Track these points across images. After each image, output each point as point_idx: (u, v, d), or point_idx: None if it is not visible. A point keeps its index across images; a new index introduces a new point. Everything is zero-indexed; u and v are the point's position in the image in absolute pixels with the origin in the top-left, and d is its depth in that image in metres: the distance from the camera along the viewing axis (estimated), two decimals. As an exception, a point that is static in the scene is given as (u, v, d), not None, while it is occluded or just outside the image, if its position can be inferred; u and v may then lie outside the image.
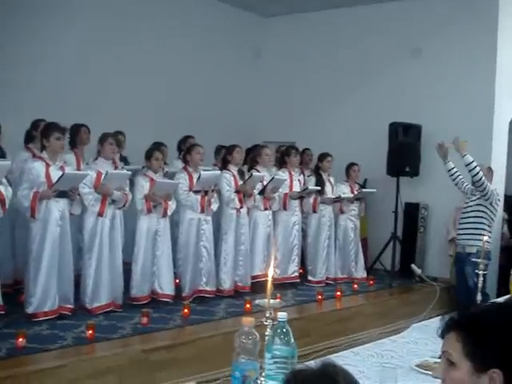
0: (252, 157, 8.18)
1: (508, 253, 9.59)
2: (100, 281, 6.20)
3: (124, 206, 6.44)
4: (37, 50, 8.16)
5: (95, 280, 6.18)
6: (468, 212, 7.04)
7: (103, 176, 6.18)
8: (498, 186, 9.13)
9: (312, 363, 1.58)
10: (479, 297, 3.96)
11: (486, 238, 4.23)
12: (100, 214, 6.19)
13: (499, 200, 6.99)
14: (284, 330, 1.98)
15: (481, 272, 3.97)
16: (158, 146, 7.35)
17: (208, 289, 7.10)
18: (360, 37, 10.56)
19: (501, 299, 3.41)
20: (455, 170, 7.13)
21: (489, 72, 9.22)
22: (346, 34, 10.72)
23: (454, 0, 9.54)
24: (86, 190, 6.12)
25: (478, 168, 6.81)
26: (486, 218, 6.82)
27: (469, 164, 6.85)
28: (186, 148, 7.63)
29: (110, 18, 8.94)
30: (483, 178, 6.78)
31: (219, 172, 7.46)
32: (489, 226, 6.75)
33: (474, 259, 6.65)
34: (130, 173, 6.60)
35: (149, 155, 6.85)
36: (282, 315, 2.01)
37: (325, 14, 10.89)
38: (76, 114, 7.61)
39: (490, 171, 7.21)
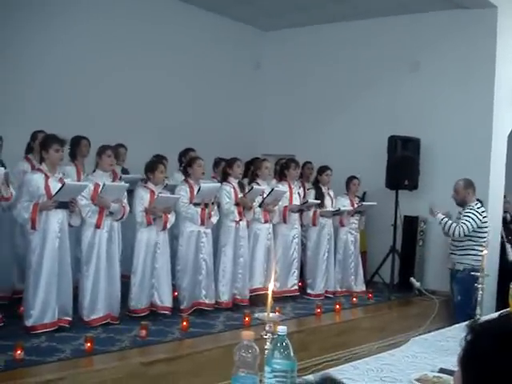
0: (252, 170, 8.20)
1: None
2: (97, 293, 6.19)
3: (122, 217, 6.43)
4: (37, 60, 8.20)
5: (93, 292, 6.17)
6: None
7: (101, 188, 6.19)
8: (496, 200, 9.16)
9: (311, 377, 1.59)
10: (478, 311, 3.95)
11: (484, 252, 4.21)
12: (97, 226, 6.19)
13: (485, 217, 6.95)
14: (284, 344, 1.97)
15: (480, 286, 3.97)
16: (161, 159, 7.36)
17: (207, 301, 7.08)
18: (358, 50, 10.62)
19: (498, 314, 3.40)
20: (445, 219, 7.19)
21: (487, 85, 9.26)
22: (345, 48, 10.78)
23: (452, 13, 9.60)
24: (84, 202, 6.12)
25: (448, 223, 7.10)
26: (472, 240, 6.84)
27: (440, 222, 7.23)
28: (186, 161, 7.63)
29: (111, 31, 8.97)
30: (456, 230, 6.96)
31: (219, 184, 7.47)
32: (478, 245, 6.71)
33: (459, 276, 6.71)
34: (127, 185, 6.58)
35: (153, 168, 6.82)
36: (282, 329, 2.01)
37: (323, 28, 10.95)
38: (76, 125, 7.63)
39: (468, 186, 7.08)
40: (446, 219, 6.94)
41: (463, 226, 6.79)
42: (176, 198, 6.90)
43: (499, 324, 1.60)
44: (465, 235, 6.95)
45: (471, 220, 6.79)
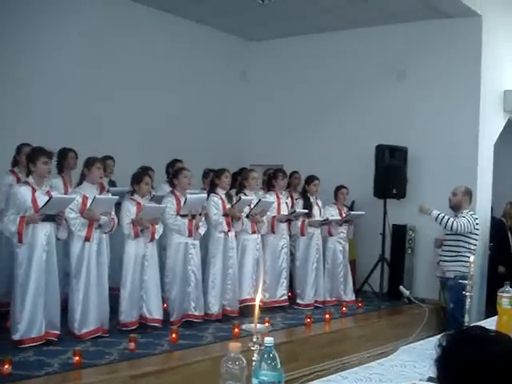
0: (239, 181, 8.21)
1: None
2: (88, 306, 6.15)
3: (111, 230, 6.41)
4: (24, 72, 8.16)
5: (83, 305, 6.13)
6: (448, 240, 7.12)
7: (90, 201, 6.15)
8: (483, 208, 9.20)
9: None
10: (467, 318, 3.95)
11: (471, 258, 4.22)
12: (87, 239, 6.15)
13: (477, 224, 7.03)
14: (271, 355, 1.96)
15: (468, 293, 3.96)
16: (147, 171, 7.35)
17: (196, 313, 7.05)
18: (345, 60, 10.67)
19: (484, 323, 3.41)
20: (442, 214, 7.12)
21: (473, 94, 9.31)
22: (331, 58, 10.83)
23: (438, 23, 9.66)
24: (73, 215, 6.08)
25: (446, 217, 6.92)
26: (463, 247, 6.89)
27: (437, 217, 7.00)
28: (173, 172, 7.62)
29: (98, 43, 8.97)
30: (454, 224, 6.86)
31: (205, 195, 7.46)
32: (469, 251, 6.77)
33: (451, 284, 6.75)
34: (117, 197, 6.56)
35: (138, 180, 6.80)
36: (269, 340, 2.00)
37: (310, 38, 11.00)
38: (63, 137, 7.61)
39: (467, 193, 7.19)
40: (443, 214, 6.96)
41: (462, 222, 6.85)
42: (162, 207, 6.88)
43: (467, 334, 1.75)
44: (457, 238, 6.97)
45: (467, 222, 6.87)
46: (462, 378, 1.63)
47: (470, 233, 6.95)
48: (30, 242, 5.73)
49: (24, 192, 5.77)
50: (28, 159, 5.96)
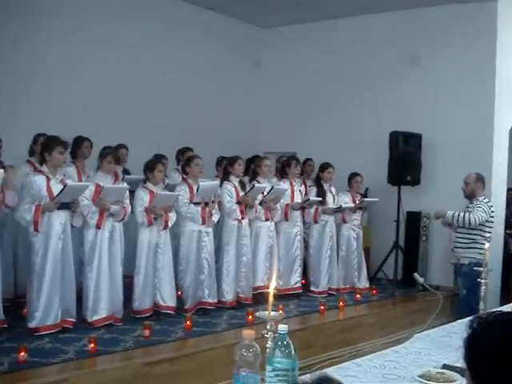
0: (253, 168, 8.20)
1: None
2: (100, 293, 6.19)
3: (123, 218, 6.42)
4: (38, 61, 8.20)
5: (95, 293, 6.17)
6: (462, 227, 7.08)
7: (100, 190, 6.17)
8: (498, 194, 9.14)
9: (307, 376, 1.58)
10: (482, 306, 3.94)
11: (486, 246, 4.18)
12: (98, 227, 6.17)
13: (492, 211, 6.98)
14: (285, 343, 1.96)
15: (483, 281, 3.95)
16: (160, 158, 7.35)
17: (210, 301, 7.08)
18: (359, 46, 10.60)
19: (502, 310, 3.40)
20: (456, 213, 7.07)
21: (488, 80, 9.23)
22: (345, 44, 10.77)
23: (452, 8, 9.57)
24: (85, 202, 6.11)
25: (461, 214, 6.88)
26: (478, 234, 6.86)
27: (453, 217, 6.97)
28: (184, 160, 7.62)
29: (109, 31, 8.97)
30: (471, 218, 6.81)
31: (218, 183, 7.47)
32: (484, 239, 6.74)
33: (464, 270, 6.73)
34: (128, 186, 6.56)
35: (152, 167, 6.81)
36: (283, 327, 2.00)
37: (323, 24, 10.94)
38: (78, 126, 7.64)
39: (479, 180, 7.14)
40: (457, 212, 6.94)
41: (478, 214, 6.82)
42: (175, 195, 6.88)
43: (498, 317, 1.75)
44: (472, 227, 6.96)
45: (483, 212, 6.85)
46: (489, 358, 1.64)
47: (486, 220, 6.93)
48: (46, 230, 5.76)
49: (39, 181, 5.79)
50: (43, 148, 5.97)
